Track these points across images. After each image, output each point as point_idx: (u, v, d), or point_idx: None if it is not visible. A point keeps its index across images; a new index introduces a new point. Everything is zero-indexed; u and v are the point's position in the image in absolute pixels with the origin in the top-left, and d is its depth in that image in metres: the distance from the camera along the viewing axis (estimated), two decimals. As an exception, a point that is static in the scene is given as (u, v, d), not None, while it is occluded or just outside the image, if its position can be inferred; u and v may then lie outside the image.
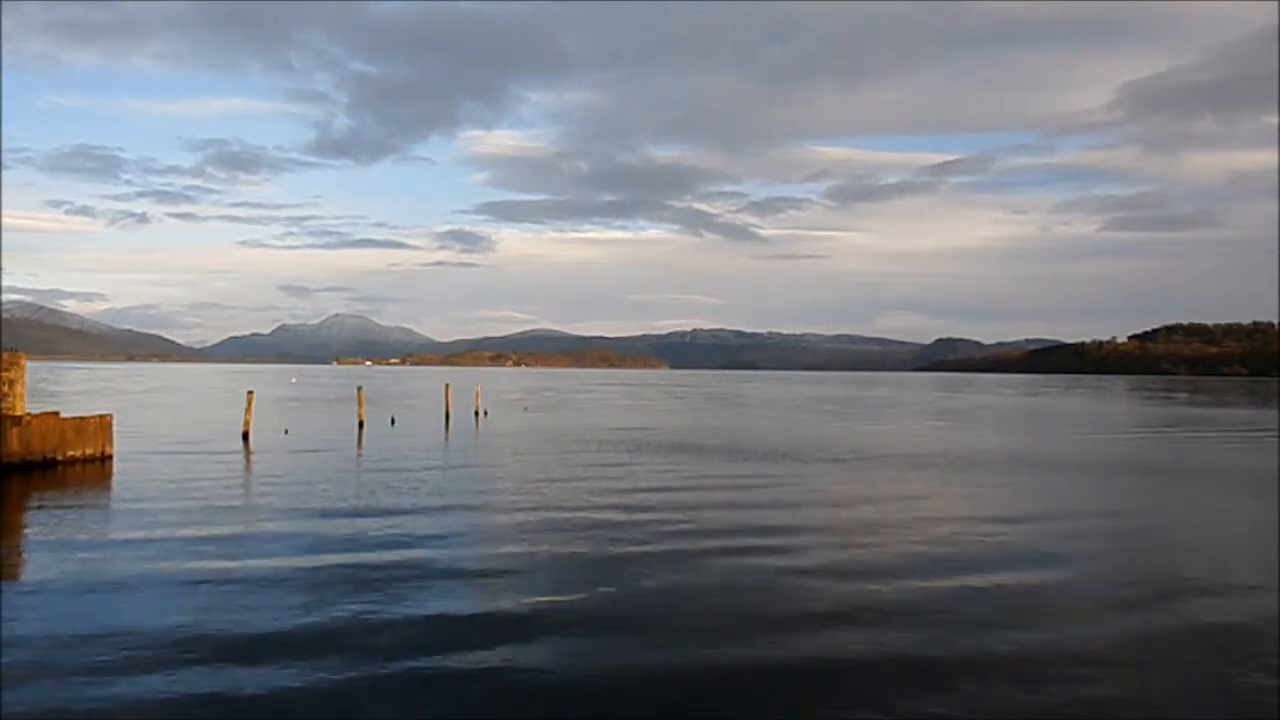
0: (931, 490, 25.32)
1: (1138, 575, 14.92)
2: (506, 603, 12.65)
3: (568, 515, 19.97)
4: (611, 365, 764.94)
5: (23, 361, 27.66)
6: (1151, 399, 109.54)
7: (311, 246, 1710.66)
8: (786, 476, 28.01)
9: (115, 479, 24.91)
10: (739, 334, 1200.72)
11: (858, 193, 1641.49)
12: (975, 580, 14.36)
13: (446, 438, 40.74)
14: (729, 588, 13.72)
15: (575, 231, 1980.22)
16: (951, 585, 14.02)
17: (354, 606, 12.22)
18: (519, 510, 20.67)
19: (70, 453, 27.14)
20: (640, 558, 15.72)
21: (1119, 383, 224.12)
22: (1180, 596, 13.62)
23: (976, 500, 23.52)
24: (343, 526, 18.30)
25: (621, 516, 19.90)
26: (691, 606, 12.61)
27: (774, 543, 17.20)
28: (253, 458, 31.55)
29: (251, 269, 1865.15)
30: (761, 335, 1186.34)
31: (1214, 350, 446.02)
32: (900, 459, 33.86)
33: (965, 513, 21.31)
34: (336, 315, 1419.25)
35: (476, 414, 54.35)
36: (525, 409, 68.08)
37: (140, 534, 17.25)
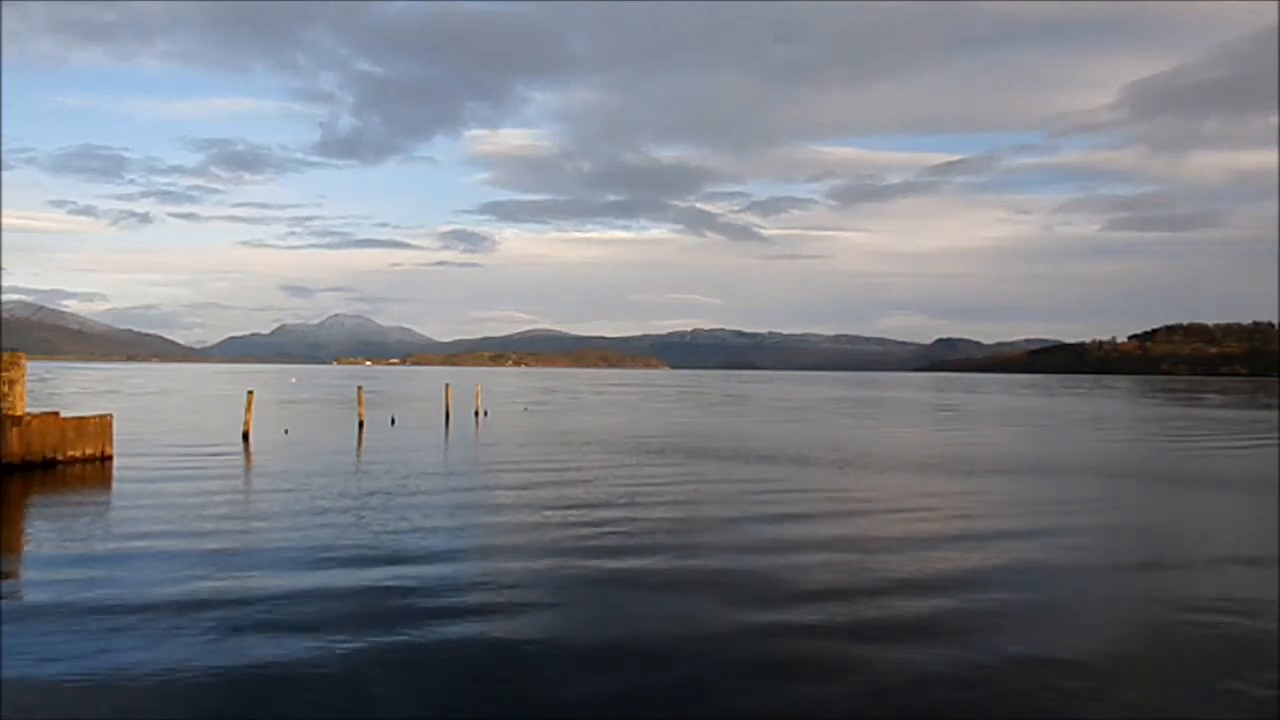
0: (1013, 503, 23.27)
1: None
2: (510, 630, 11.70)
3: (571, 528, 19.53)
4: (611, 365, 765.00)
5: (23, 361, 27.65)
6: (1176, 400, 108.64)
7: (314, 246, 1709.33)
8: (843, 487, 26.33)
9: (115, 480, 24.88)
10: (739, 334, 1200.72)
11: (861, 193, 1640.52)
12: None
13: (447, 439, 40.71)
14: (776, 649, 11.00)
15: (578, 231, 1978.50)
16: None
17: (353, 635, 11.32)
18: (521, 523, 20.24)
19: (70, 453, 27.10)
20: (655, 581, 14.34)
21: (1126, 383, 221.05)
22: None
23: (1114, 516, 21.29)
24: (342, 535, 17.98)
25: (631, 541, 17.73)
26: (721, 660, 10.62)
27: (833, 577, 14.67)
28: (253, 458, 31.53)
29: (253, 269, 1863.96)
30: (761, 335, 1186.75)
31: (1214, 350, 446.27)
32: (969, 465, 31.63)
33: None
34: (336, 315, 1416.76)
35: (476, 414, 54.33)
36: (525, 409, 68.08)
37: (140, 539, 17.18)
